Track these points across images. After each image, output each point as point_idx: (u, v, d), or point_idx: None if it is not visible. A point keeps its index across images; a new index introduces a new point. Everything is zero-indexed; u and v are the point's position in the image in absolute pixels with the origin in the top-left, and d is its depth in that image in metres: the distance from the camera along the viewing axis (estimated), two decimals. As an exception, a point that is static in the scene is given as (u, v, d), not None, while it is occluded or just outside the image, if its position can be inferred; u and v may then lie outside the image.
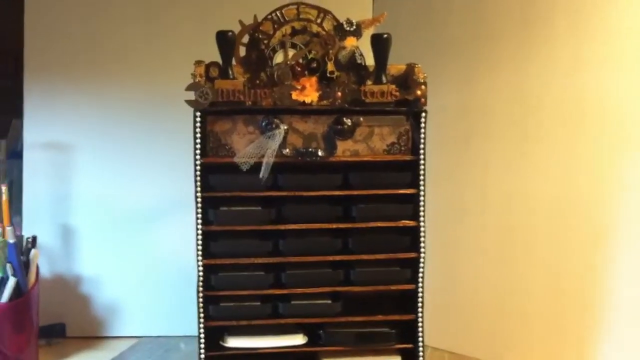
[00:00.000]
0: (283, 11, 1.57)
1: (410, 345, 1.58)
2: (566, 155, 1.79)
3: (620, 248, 1.73)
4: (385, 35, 1.53)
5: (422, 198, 1.55)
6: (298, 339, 1.58)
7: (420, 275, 1.57)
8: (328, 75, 1.54)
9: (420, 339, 1.57)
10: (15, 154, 2.15)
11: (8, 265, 1.77)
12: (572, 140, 1.78)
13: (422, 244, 1.56)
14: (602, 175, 1.74)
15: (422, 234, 1.56)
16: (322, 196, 1.55)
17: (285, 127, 1.53)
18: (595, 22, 1.73)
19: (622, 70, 1.71)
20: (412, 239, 1.57)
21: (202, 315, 1.55)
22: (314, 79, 1.54)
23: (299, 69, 1.54)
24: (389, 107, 1.54)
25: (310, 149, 1.54)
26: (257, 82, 1.54)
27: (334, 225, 1.56)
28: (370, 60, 1.56)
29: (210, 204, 1.55)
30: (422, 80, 1.52)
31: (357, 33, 1.53)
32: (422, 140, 1.54)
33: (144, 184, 2.06)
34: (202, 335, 1.56)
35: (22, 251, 1.84)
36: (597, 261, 1.76)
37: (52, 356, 1.95)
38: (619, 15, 1.70)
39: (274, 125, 1.53)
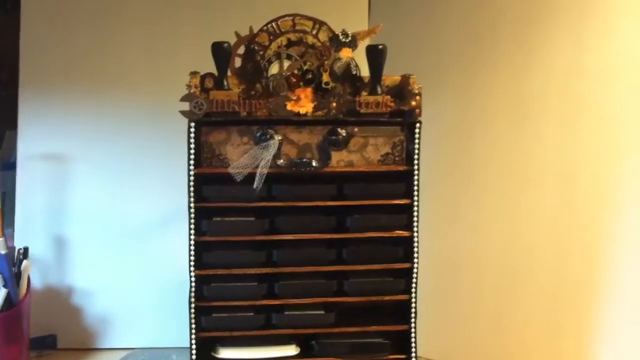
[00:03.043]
0: (279, 22, 1.58)
1: (403, 356, 1.58)
2: (566, 160, 1.79)
3: (623, 256, 1.73)
4: (381, 47, 1.54)
5: (415, 208, 1.55)
6: (291, 350, 1.57)
7: (414, 285, 1.57)
8: (323, 86, 1.55)
9: (414, 349, 1.57)
10: (9, 165, 2.14)
11: (-1, 277, 1.77)
12: (572, 145, 1.78)
13: (415, 255, 1.56)
14: (602, 180, 1.75)
15: (415, 244, 1.56)
16: (316, 206, 1.55)
17: (280, 138, 1.54)
18: (595, 26, 1.74)
19: (621, 75, 1.72)
20: (405, 249, 1.57)
21: (194, 326, 1.54)
22: (309, 90, 1.54)
23: (294, 80, 1.55)
24: (383, 118, 1.55)
25: (304, 160, 1.55)
26: (252, 93, 1.55)
27: (328, 236, 1.56)
28: (365, 71, 1.57)
29: (204, 215, 1.55)
30: (416, 91, 1.53)
31: (352, 44, 1.54)
32: (416, 151, 1.55)
33: (138, 195, 2.05)
34: (193, 347, 1.55)
35: (14, 262, 1.83)
36: (598, 269, 1.76)
37: (43, 368, 1.93)
38: (618, 20, 1.72)
39: (268, 136, 1.53)
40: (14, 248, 1.87)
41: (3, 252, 1.78)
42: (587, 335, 1.78)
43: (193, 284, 1.54)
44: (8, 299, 1.77)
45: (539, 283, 1.84)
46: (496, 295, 1.90)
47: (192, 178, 1.52)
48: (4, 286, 1.76)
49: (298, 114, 1.53)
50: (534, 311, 1.85)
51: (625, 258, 1.72)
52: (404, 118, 1.55)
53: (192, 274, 1.53)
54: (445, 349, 1.96)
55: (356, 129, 1.56)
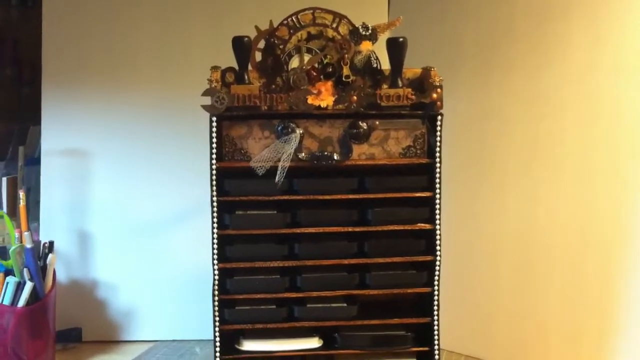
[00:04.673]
0: (299, 16, 1.58)
1: (426, 349, 1.58)
2: (582, 157, 1.78)
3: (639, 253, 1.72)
4: (401, 39, 1.54)
5: (437, 201, 1.55)
6: (313, 343, 1.58)
7: (436, 278, 1.56)
8: (344, 79, 1.55)
9: (436, 342, 1.57)
10: (33, 161, 2.17)
11: (25, 270, 1.79)
12: (588, 143, 1.77)
13: (438, 247, 1.56)
14: (619, 178, 1.73)
15: (437, 237, 1.56)
16: (338, 200, 1.56)
17: (301, 132, 1.54)
18: (610, 24, 1.73)
19: (638, 73, 1.70)
20: (428, 242, 1.57)
21: (217, 319, 1.56)
22: (329, 84, 1.55)
23: (314, 73, 1.55)
24: (404, 111, 1.54)
25: (325, 153, 1.55)
26: (273, 87, 1.55)
27: (350, 229, 1.57)
28: (385, 64, 1.57)
29: (226, 209, 1.55)
30: (438, 84, 1.52)
31: (372, 37, 1.54)
32: (438, 144, 1.54)
33: (160, 189, 2.07)
34: (217, 339, 1.56)
35: (39, 256, 1.86)
36: (615, 266, 1.75)
37: (69, 360, 1.96)
38: (633, 18, 1.70)
39: (289, 130, 1.54)
40: (39, 242, 1.90)
41: (29, 245, 1.80)
42: (606, 326, 1.77)
43: (216, 277, 1.55)
44: (34, 292, 1.80)
45: (558, 276, 1.83)
46: (515, 288, 1.89)
47: (214, 172, 1.53)
48: (30, 280, 1.78)
49: (319, 107, 1.53)
50: (553, 304, 1.84)
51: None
52: (425, 111, 1.54)
53: (216, 267, 1.54)
54: (466, 342, 1.96)
55: (377, 122, 1.56)
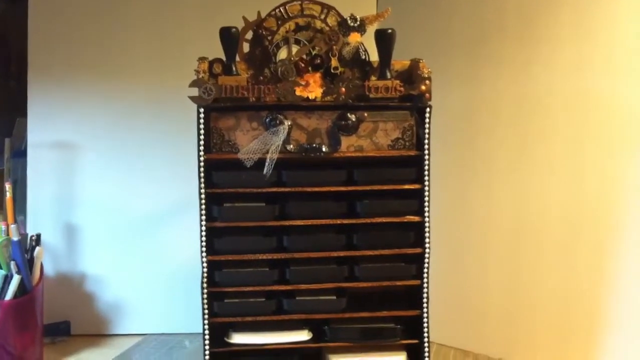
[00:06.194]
0: (287, 7, 1.57)
1: (415, 341, 1.58)
2: (572, 153, 1.78)
3: (630, 249, 1.72)
4: (390, 31, 1.53)
5: (427, 193, 1.54)
6: (303, 335, 1.58)
7: (425, 270, 1.56)
8: (332, 71, 1.54)
9: (426, 334, 1.57)
10: (20, 153, 2.15)
11: (12, 263, 1.77)
12: (578, 139, 1.77)
13: (427, 240, 1.55)
14: (608, 174, 1.73)
15: (427, 229, 1.55)
16: (327, 192, 1.55)
17: (289, 123, 1.53)
18: (600, 20, 1.72)
19: (627, 69, 1.70)
20: (417, 234, 1.57)
21: (206, 312, 1.55)
22: (317, 75, 1.54)
23: (302, 65, 1.54)
24: (393, 103, 1.54)
25: (314, 145, 1.54)
26: (261, 78, 1.54)
27: (339, 221, 1.56)
28: (374, 56, 1.56)
29: (214, 201, 1.54)
30: (426, 76, 1.51)
31: (361, 29, 1.53)
32: (426, 136, 1.53)
33: (149, 182, 2.06)
34: (206, 332, 1.55)
35: (27, 249, 1.85)
36: (606, 261, 1.75)
37: (57, 354, 1.95)
38: (624, 14, 1.70)
39: (277, 122, 1.53)
40: (26, 235, 1.89)
41: (16, 238, 1.79)
42: (597, 320, 1.77)
43: (205, 270, 1.54)
44: (22, 285, 1.79)
45: (548, 269, 1.83)
46: (506, 280, 1.89)
47: (202, 164, 1.52)
48: (17, 273, 1.78)
49: (307, 99, 1.53)
50: (543, 297, 1.84)
51: (635, 253, 1.71)
52: (413, 102, 1.54)
53: (204, 260, 1.54)
54: (456, 334, 1.96)
55: (366, 114, 1.55)
